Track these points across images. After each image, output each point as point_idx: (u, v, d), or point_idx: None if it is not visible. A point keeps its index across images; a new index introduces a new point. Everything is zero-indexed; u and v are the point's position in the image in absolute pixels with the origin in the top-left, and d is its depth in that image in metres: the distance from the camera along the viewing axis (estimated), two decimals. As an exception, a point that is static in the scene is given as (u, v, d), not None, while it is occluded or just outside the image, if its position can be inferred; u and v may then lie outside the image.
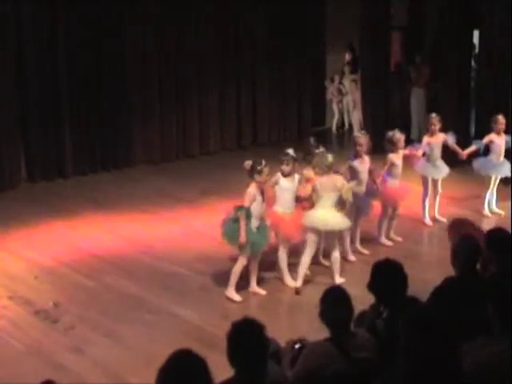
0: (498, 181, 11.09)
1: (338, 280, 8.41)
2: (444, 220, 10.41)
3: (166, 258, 9.35)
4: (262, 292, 8.33)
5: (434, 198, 10.80)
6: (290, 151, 8.46)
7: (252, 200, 7.97)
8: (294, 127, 16.68)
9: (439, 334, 3.34)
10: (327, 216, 8.25)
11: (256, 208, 8.05)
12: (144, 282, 8.45)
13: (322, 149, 8.75)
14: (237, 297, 8.16)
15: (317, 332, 4.90)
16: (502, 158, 10.89)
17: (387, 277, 4.88)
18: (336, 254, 8.47)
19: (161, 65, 14.40)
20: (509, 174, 11.02)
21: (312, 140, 9.05)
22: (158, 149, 14.60)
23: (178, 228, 10.53)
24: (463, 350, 3.62)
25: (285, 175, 8.39)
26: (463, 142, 11.43)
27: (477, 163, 11.06)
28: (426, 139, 10.60)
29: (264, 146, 15.69)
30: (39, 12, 12.77)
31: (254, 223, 8.06)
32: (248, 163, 8.07)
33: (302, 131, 16.38)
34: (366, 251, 9.54)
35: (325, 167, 8.29)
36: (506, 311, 3.68)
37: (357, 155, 9.21)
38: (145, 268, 8.32)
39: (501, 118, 10.79)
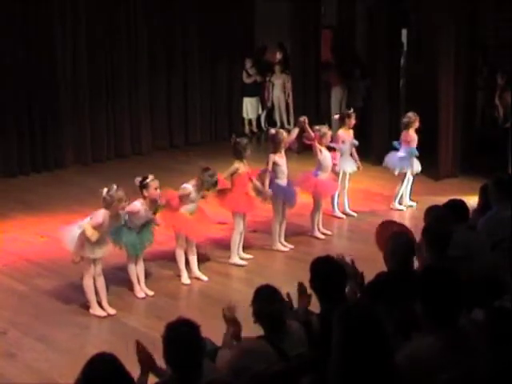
0: (411, 176, 11.26)
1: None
2: (355, 214, 10.95)
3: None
4: (153, 294, 8.36)
5: (343, 192, 11.02)
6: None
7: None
8: (225, 126, 16.70)
9: (371, 328, 3.38)
10: None
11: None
12: (77, 285, 8.34)
13: (245, 140, 9.16)
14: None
15: (251, 329, 4.92)
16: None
17: (325, 274, 4.92)
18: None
19: (90, 64, 14.23)
20: (419, 169, 11.24)
21: (234, 136, 9.27)
22: (89, 150, 14.44)
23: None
24: (396, 345, 3.67)
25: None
26: (394, 139, 11.65)
27: (389, 160, 11.25)
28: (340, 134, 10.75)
29: (196, 145, 15.68)
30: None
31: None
32: (137, 179, 8.35)
33: (233, 130, 16.41)
34: (290, 245, 9.77)
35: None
36: (431, 306, 3.74)
37: (276, 150, 9.39)
38: (77, 270, 8.22)
39: (414, 116, 10.97)
